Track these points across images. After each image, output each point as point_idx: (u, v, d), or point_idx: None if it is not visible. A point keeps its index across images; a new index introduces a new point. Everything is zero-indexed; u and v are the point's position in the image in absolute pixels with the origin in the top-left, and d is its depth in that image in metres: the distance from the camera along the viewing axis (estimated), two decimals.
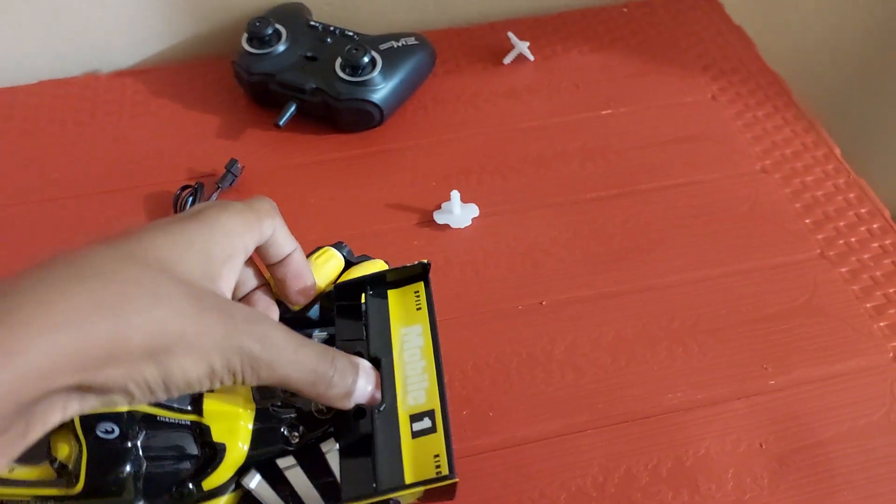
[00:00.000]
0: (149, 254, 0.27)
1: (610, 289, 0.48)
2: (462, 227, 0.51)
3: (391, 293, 0.36)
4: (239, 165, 0.54)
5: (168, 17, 0.64)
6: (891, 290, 0.48)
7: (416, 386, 0.33)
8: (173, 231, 0.28)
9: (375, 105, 0.55)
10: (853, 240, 0.51)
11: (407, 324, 0.35)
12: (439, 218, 0.51)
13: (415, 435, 0.31)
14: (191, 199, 0.52)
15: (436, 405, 0.32)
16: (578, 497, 0.40)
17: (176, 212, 0.52)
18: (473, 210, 0.52)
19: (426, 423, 0.31)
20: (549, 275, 0.49)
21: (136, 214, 0.53)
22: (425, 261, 0.36)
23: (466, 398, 0.43)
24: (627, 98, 0.60)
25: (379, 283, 0.36)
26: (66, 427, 0.31)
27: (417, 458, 0.31)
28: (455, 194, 0.51)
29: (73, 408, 0.24)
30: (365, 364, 0.32)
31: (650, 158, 0.56)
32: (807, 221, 0.52)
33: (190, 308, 0.26)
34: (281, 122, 0.56)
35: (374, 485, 0.30)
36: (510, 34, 0.63)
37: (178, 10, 0.63)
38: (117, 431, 0.31)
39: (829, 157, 0.56)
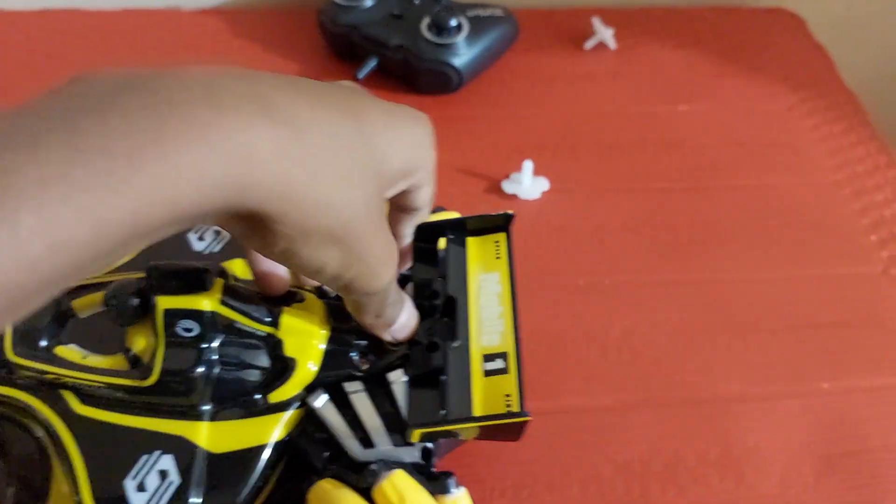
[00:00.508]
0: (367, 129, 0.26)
1: (674, 277, 0.48)
2: (530, 198, 0.51)
3: (470, 240, 0.36)
4: None
5: None
6: None
7: (491, 329, 0.33)
8: (388, 122, 0.27)
9: (456, 69, 0.56)
10: None
11: (486, 270, 0.35)
12: (507, 187, 0.51)
13: (487, 374, 0.32)
14: None
15: (510, 348, 0.32)
16: (624, 470, 0.40)
17: None
18: (543, 184, 0.52)
19: (499, 363, 0.32)
20: (614, 256, 0.49)
21: None
22: (510, 211, 0.36)
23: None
24: (705, 97, 0.60)
25: (459, 229, 0.36)
26: (145, 320, 0.32)
27: (488, 394, 0.31)
28: (528, 164, 0.51)
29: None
30: (409, 302, 0.33)
31: (723, 157, 0.56)
32: (872, 238, 0.52)
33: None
34: (360, 76, 0.57)
35: (444, 412, 0.30)
36: (594, 19, 0.63)
37: None
38: (196, 331, 0.31)
39: (887, 166, 0.56)
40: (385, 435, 0.32)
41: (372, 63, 0.57)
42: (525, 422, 0.30)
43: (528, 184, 0.51)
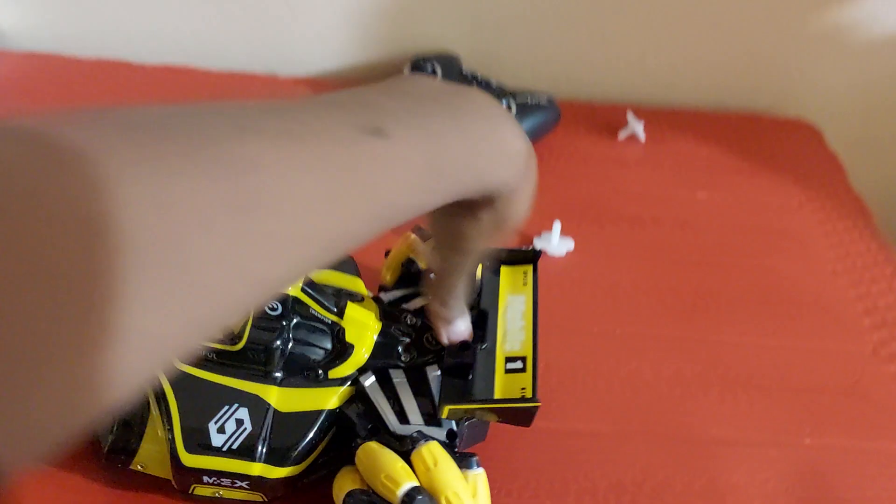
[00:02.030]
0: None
1: (677, 333, 0.55)
2: (557, 255, 0.59)
3: (504, 268, 0.44)
4: None
5: (348, 43, 0.75)
6: None
7: (513, 337, 0.40)
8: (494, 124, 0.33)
9: None
10: None
11: (513, 293, 0.43)
12: (538, 243, 0.59)
13: (507, 371, 0.39)
14: None
15: (528, 353, 0.39)
16: (617, 488, 0.45)
17: None
18: (569, 244, 0.59)
19: (518, 364, 0.39)
20: (626, 311, 0.56)
21: None
22: (538, 248, 0.44)
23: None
24: (722, 188, 0.68)
25: (492, 259, 0.44)
26: None
27: (507, 386, 0.38)
28: (557, 224, 0.59)
29: None
30: (468, 316, 0.40)
31: (732, 239, 0.63)
32: (865, 321, 0.58)
33: None
34: None
35: (470, 395, 0.37)
36: (629, 112, 0.72)
37: (357, 39, 0.75)
38: (280, 310, 0.39)
39: (887, 263, 0.62)
40: (419, 415, 0.39)
41: None
42: (535, 408, 0.36)
43: (555, 242, 0.59)
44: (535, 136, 0.68)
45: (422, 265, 0.46)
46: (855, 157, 0.75)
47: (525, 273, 0.44)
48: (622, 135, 0.72)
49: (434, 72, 0.68)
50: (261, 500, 0.39)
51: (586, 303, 0.56)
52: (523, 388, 0.37)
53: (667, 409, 0.50)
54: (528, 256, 0.44)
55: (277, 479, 0.37)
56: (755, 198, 0.68)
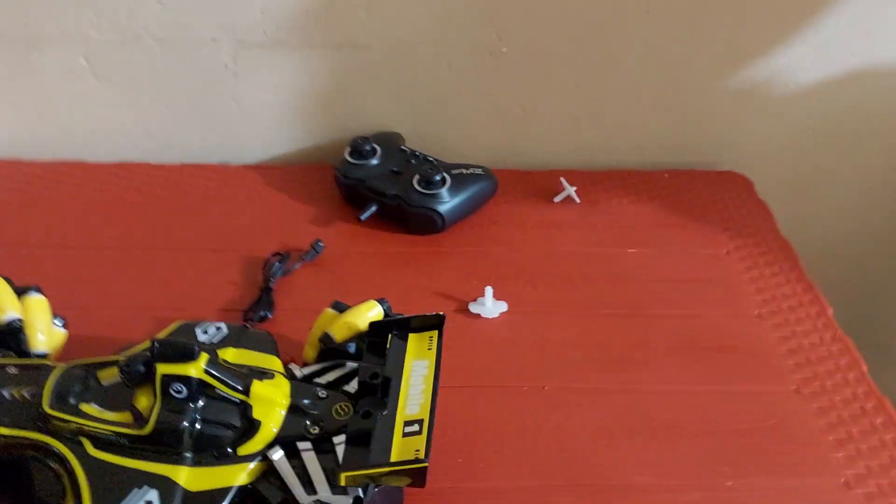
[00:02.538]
0: None
1: (603, 386, 0.57)
2: (491, 317, 0.62)
3: (411, 336, 0.47)
4: (322, 245, 0.67)
5: (294, 128, 0.80)
6: (854, 427, 0.55)
7: (413, 401, 0.43)
8: None
9: (440, 214, 0.68)
10: (828, 383, 0.58)
11: (418, 358, 0.45)
12: (473, 308, 0.62)
13: (405, 434, 0.41)
14: (278, 263, 0.65)
15: (425, 416, 0.42)
16: None
17: (263, 273, 0.64)
18: (503, 306, 0.62)
19: (415, 427, 0.41)
20: (555, 366, 0.58)
21: (232, 270, 0.66)
22: (441, 313, 0.46)
23: (464, 448, 0.52)
24: (652, 242, 0.71)
25: (402, 327, 0.47)
26: (148, 384, 0.42)
27: (404, 449, 0.40)
28: (489, 290, 0.62)
29: None
30: None
31: (662, 291, 0.66)
32: (789, 362, 0.60)
33: None
34: (363, 217, 0.70)
35: (366, 461, 0.40)
36: (562, 179, 0.76)
37: (302, 124, 0.80)
38: (185, 392, 0.42)
39: (821, 314, 0.64)
40: (325, 485, 0.41)
41: (373, 208, 0.70)
42: (424, 467, 0.39)
43: (489, 305, 0.62)
44: (475, 206, 0.72)
45: (336, 338, 0.49)
46: (783, 203, 0.79)
47: (431, 338, 0.46)
48: (558, 198, 0.75)
49: (374, 150, 0.72)
50: None
51: (517, 361, 0.59)
52: (417, 450, 0.39)
53: (590, 460, 0.52)
54: (434, 321, 0.47)
55: None
56: (685, 249, 0.71)
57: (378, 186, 0.70)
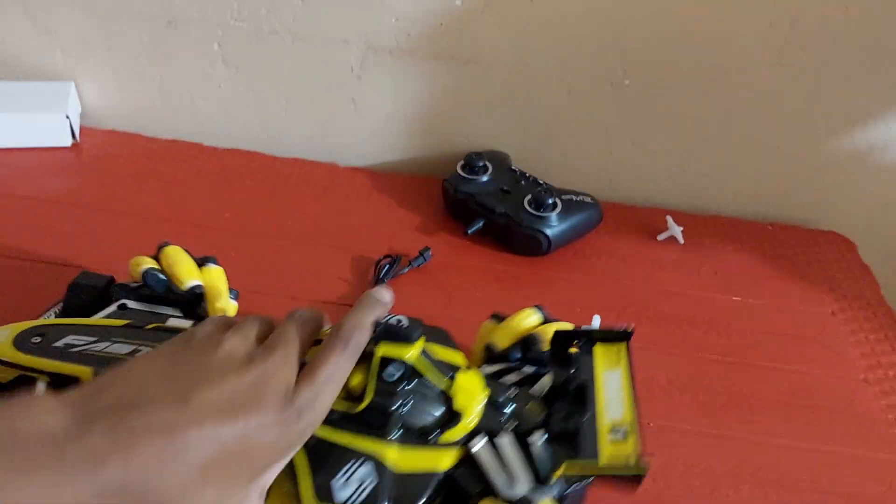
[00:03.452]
0: None
1: (710, 430, 0.56)
2: None
3: (597, 347, 0.47)
4: (430, 253, 0.67)
5: (404, 137, 0.81)
6: None
7: (613, 408, 0.43)
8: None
9: (547, 237, 0.68)
10: None
11: (609, 369, 0.46)
12: None
13: (611, 440, 0.41)
14: (388, 266, 0.65)
15: (630, 421, 0.42)
16: None
17: (375, 272, 0.65)
18: None
19: (620, 434, 0.41)
20: (660, 405, 0.58)
21: (341, 266, 0.67)
22: (630, 328, 0.47)
23: None
24: (756, 293, 0.70)
25: (588, 338, 0.48)
26: (362, 363, 0.42)
27: (612, 453, 0.40)
28: (596, 318, 0.61)
29: None
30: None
31: (765, 343, 0.65)
32: (895, 430, 0.59)
33: None
34: (470, 231, 0.70)
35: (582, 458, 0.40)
36: (668, 217, 0.75)
37: (413, 135, 0.81)
38: (397, 376, 0.41)
39: None
40: (526, 479, 0.41)
41: (480, 223, 0.70)
42: (641, 476, 0.39)
43: None
44: (580, 233, 0.72)
45: (499, 346, 0.50)
46: (889, 273, 0.77)
47: (618, 351, 0.47)
48: (661, 237, 0.75)
49: (485, 167, 0.73)
50: None
51: None
52: (628, 455, 0.40)
53: (696, 502, 0.51)
54: (620, 335, 0.47)
55: None
56: (787, 304, 0.70)
57: (488, 203, 0.71)
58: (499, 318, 0.52)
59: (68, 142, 0.78)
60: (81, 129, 0.81)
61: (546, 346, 0.49)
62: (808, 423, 0.58)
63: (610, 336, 0.47)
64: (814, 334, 0.67)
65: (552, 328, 0.49)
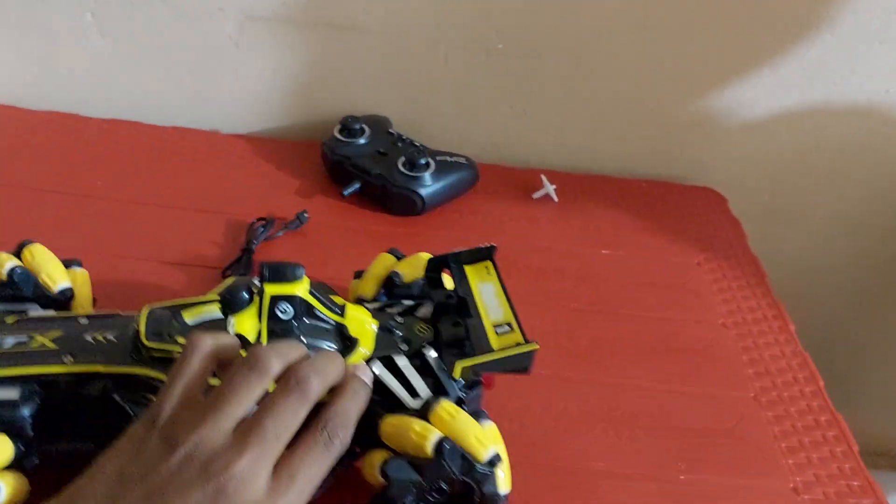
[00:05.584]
0: None
1: (567, 374, 0.58)
2: None
3: (467, 268, 0.53)
4: (306, 215, 0.68)
5: (286, 103, 0.81)
6: (806, 437, 0.56)
7: (494, 311, 0.49)
8: None
9: (420, 196, 0.69)
10: (785, 394, 0.60)
11: (481, 282, 0.51)
12: None
13: (498, 334, 0.47)
14: (262, 228, 0.65)
15: (510, 319, 0.48)
16: None
17: (246, 235, 0.65)
18: None
19: (505, 328, 0.47)
20: None
21: (214, 230, 0.66)
22: (493, 244, 0.53)
23: None
24: (625, 246, 0.73)
25: (457, 261, 0.53)
26: (249, 309, 0.43)
27: (502, 343, 0.46)
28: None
29: None
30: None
31: (631, 292, 0.67)
32: (750, 371, 0.61)
33: None
34: (346, 193, 0.70)
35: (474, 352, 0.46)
36: (542, 176, 0.77)
37: (294, 100, 0.81)
38: (290, 312, 0.43)
39: (783, 329, 0.66)
40: (426, 390, 0.44)
41: (356, 185, 0.71)
42: (534, 350, 0.45)
43: None
44: (455, 193, 0.73)
45: (405, 278, 0.52)
46: (756, 224, 0.81)
47: (486, 267, 0.53)
48: (537, 195, 0.77)
49: (362, 130, 0.73)
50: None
51: None
52: (518, 343, 0.46)
53: (550, 442, 0.53)
54: (485, 254, 0.53)
55: None
56: (656, 256, 0.72)
57: (363, 165, 0.71)
58: (397, 254, 0.55)
59: None
60: None
61: (407, 279, 0.52)
62: (666, 366, 0.61)
63: (477, 255, 0.52)
64: (679, 283, 0.70)
65: (408, 263, 0.53)
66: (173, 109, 0.80)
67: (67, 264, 0.51)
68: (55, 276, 0.49)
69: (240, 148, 0.78)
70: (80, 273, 0.51)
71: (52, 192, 0.68)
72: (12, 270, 0.47)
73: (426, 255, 0.54)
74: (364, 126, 0.74)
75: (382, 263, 0.54)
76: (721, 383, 0.60)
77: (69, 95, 0.80)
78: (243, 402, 0.34)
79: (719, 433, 0.56)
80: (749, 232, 0.78)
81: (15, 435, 0.41)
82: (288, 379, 0.35)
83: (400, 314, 0.50)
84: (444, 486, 0.42)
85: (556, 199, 0.77)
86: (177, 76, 0.79)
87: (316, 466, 0.34)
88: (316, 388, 0.35)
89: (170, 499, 0.30)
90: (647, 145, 0.83)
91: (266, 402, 0.34)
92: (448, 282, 0.54)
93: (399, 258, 0.54)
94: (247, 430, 0.32)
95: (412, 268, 0.53)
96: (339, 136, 0.73)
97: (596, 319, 0.64)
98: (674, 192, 0.82)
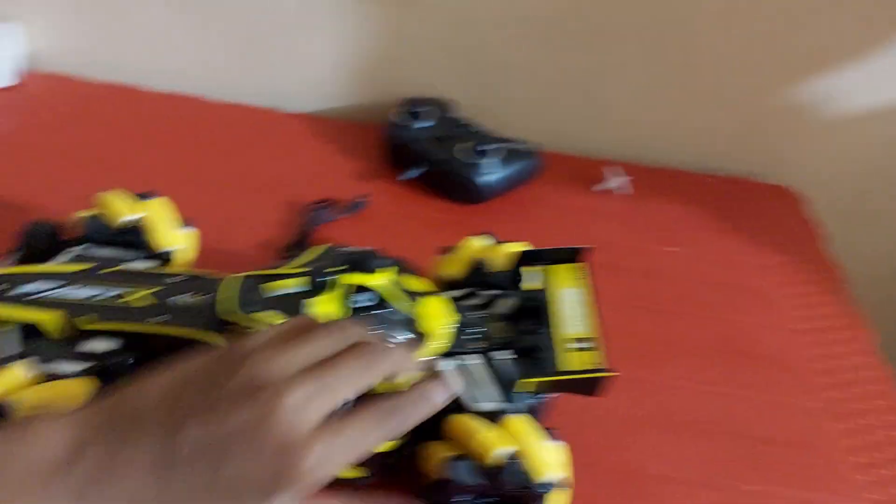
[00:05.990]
0: None
1: (632, 375, 0.54)
2: None
3: (558, 268, 0.51)
4: (366, 200, 0.67)
5: (347, 84, 0.80)
6: (878, 453, 0.53)
7: (576, 322, 0.47)
8: None
9: (482, 184, 0.68)
10: (859, 406, 0.57)
11: (568, 287, 0.50)
12: None
13: (578, 350, 0.45)
14: (321, 210, 0.65)
15: (594, 335, 0.47)
16: None
17: (303, 217, 0.64)
18: None
19: (586, 344, 0.46)
20: None
21: (273, 210, 0.66)
22: (589, 246, 0.51)
23: None
24: (694, 244, 0.70)
25: (547, 259, 0.52)
26: (332, 295, 0.43)
27: (578, 362, 0.45)
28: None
29: None
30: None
31: (697, 292, 0.64)
32: (822, 380, 0.58)
33: None
34: (404, 178, 0.69)
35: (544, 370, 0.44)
36: (607, 167, 0.75)
37: (355, 81, 0.80)
38: (373, 302, 0.43)
39: (859, 338, 0.63)
40: (496, 394, 0.43)
41: (415, 170, 0.69)
42: (606, 377, 0.43)
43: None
44: (517, 182, 0.71)
45: (493, 268, 0.51)
46: (838, 226, 0.77)
47: (579, 270, 0.51)
48: (599, 188, 0.74)
49: (426, 114, 0.72)
50: (366, 475, 0.43)
51: None
52: (596, 363, 0.44)
53: (610, 444, 0.51)
54: (575, 255, 0.51)
55: (381, 453, 0.40)
56: (726, 256, 0.69)
57: (425, 149, 0.70)
58: (494, 237, 0.54)
59: (11, 82, 0.77)
60: (25, 71, 0.79)
61: (495, 269, 0.51)
62: (732, 370, 0.58)
63: (566, 255, 0.51)
64: (748, 285, 0.66)
65: (500, 252, 0.51)
66: (232, 85, 0.80)
67: (143, 197, 0.53)
68: (119, 211, 0.51)
69: (299, 128, 0.78)
70: (155, 202, 0.53)
71: (102, 165, 0.69)
72: (85, 221, 0.51)
73: (520, 246, 0.52)
74: (428, 109, 0.72)
75: (474, 247, 0.52)
76: (789, 391, 0.57)
77: (128, 67, 0.80)
78: (318, 351, 0.34)
79: (785, 443, 0.53)
80: (829, 234, 0.75)
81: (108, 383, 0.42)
82: (364, 346, 0.35)
83: (480, 306, 0.50)
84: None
85: (625, 191, 0.74)
86: (238, 51, 0.79)
87: (363, 433, 0.34)
88: (383, 364, 0.35)
89: (219, 408, 0.31)
90: (724, 139, 0.80)
91: (334, 357, 0.34)
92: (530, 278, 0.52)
93: (491, 243, 0.53)
94: (309, 373, 0.33)
95: (503, 257, 0.51)
96: (401, 120, 0.72)
97: (659, 319, 0.61)
98: (746, 190, 0.79)
